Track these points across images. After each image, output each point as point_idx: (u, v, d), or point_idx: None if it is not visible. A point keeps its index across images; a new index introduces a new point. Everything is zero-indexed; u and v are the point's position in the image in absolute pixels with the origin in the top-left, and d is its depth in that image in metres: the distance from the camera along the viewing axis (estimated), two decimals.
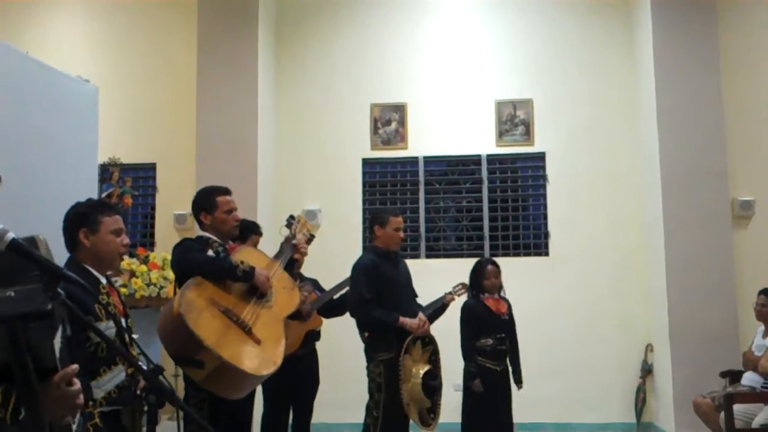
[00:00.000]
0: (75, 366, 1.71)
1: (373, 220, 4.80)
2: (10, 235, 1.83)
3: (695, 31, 7.00)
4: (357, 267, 4.66)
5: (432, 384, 4.52)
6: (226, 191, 4.06)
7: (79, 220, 2.74)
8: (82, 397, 1.74)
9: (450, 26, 7.90)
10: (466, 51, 7.85)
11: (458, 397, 5.30)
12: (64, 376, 1.70)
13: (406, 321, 4.49)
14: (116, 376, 2.53)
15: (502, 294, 5.42)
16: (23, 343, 1.58)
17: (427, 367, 4.55)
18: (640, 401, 7.15)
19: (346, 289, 4.94)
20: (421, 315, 4.62)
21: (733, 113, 7.10)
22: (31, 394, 1.62)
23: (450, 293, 5.30)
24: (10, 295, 1.63)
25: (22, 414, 1.70)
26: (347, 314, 4.86)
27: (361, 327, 4.64)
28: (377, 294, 4.50)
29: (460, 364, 5.22)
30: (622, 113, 7.55)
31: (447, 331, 5.23)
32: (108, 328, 2.53)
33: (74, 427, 1.92)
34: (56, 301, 1.77)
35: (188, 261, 3.74)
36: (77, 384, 1.72)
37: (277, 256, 4.18)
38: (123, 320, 2.63)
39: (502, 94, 7.70)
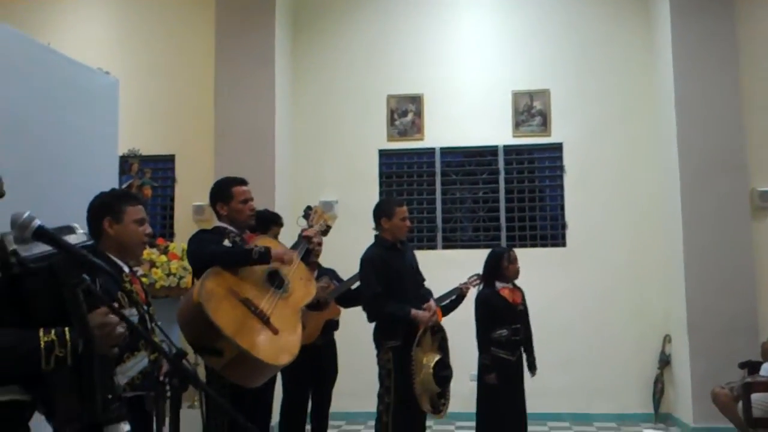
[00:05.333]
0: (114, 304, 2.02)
1: (378, 212, 4.74)
2: (37, 222, 1.88)
3: (713, 23, 6.95)
4: (364, 261, 4.67)
5: (443, 375, 4.54)
6: (242, 182, 4.11)
7: (103, 209, 2.78)
8: (124, 327, 1.99)
9: (466, 17, 7.89)
10: (482, 41, 7.83)
11: (473, 386, 5.32)
12: (103, 310, 1.95)
13: (417, 314, 4.51)
14: (139, 362, 2.58)
15: (516, 283, 5.42)
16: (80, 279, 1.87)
17: (437, 357, 4.56)
18: (658, 392, 7.14)
19: None
20: (431, 304, 4.64)
21: (750, 104, 7.04)
22: (83, 322, 1.87)
23: (465, 284, 5.32)
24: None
25: (81, 347, 1.82)
26: None
27: (372, 320, 4.66)
28: (386, 286, 4.53)
29: (475, 354, 5.24)
30: (639, 104, 7.51)
31: (462, 322, 5.26)
32: (131, 315, 2.57)
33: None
34: (82, 285, 1.84)
35: (205, 253, 3.80)
36: (114, 317, 1.96)
37: (294, 247, 4.22)
38: (145, 308, 2.68)
39: (519, 84, 7.69)
